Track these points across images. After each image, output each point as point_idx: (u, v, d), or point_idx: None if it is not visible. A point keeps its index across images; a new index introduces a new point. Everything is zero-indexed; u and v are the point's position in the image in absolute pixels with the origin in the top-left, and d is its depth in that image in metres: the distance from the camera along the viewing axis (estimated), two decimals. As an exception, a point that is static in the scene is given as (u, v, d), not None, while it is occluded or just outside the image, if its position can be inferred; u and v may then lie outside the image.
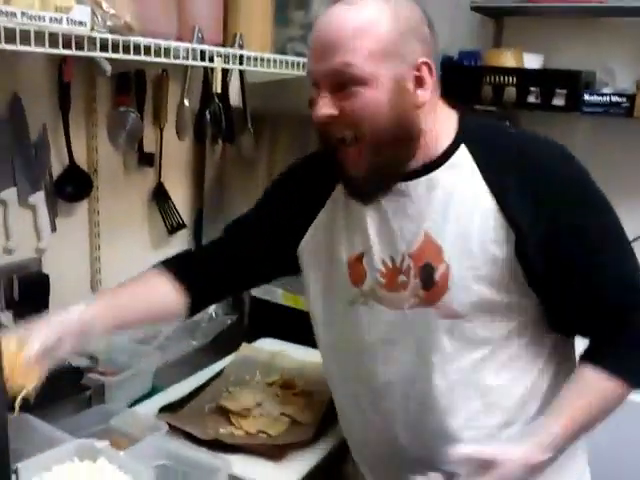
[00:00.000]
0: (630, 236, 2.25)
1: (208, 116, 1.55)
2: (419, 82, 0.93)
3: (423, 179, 0.97)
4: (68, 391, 1.23)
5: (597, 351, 0.97)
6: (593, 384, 0.94)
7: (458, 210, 0.95)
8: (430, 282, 0.97)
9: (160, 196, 1.76)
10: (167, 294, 1.11)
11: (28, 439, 1.06)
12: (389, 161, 0.95)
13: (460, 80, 2.02)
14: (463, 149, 0.96)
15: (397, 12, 0.91)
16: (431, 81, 0.93)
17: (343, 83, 0.90)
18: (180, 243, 1.88)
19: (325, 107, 0.92)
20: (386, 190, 0.98)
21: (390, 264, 1.00)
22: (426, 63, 0.92)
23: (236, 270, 1.15)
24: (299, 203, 1.10)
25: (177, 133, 1.55)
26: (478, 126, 1.01)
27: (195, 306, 1.15)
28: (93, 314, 1.01)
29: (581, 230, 0.94)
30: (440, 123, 0.98)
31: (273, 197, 1.19)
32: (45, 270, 1.52)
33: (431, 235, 0.96)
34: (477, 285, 0.94)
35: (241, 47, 1.46)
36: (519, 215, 0.92)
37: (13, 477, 0.68)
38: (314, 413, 1.34)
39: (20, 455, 0.98)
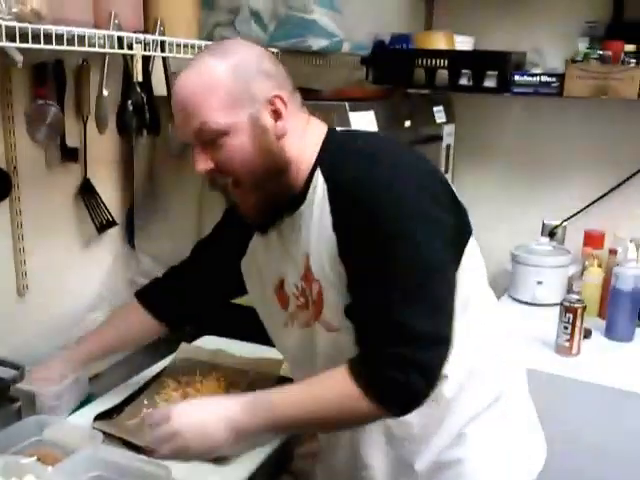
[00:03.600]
0: (564, 214, 2.31)
1: (130, 107, 1.47)
2: (277, 115, 0.99)
3: (296, 212, 1.03)
4: (-7, 405, 1.15)
5: (358, 356, 0.96)
6: (333, 378, 0.95)
7: (316, 234, 1.01)
8: (311, 300, 1.05)
9: (87, 193, 1.67)
10: (145, 325, 1.34)
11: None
12: (272, 195, 1.02)
13: (392, 64, 2.01)
14: (318, 174, 1.01)
15: (233, 61, 0.97)
16: (286, 110, 0.99)
17: (209, 139, 0.97)
18: (111, 242, 1.80)
19: (201, 163, 1.00)
20: (279, 220, 1.06)
21: (299, 287, 1.07)
22: (277, 95, 0.98)
23: (204, 289, 1.31)
24: (239, 225, 1.14)
25: (97, 126, 1.47)
26: (336, 145, 1.04)
27: (173, 327, 1.36)
28: (83, 358, 1.32)
29: (366, 245, 0.95)
30: (306, 147, 1.02)
31: (226, 216, 1.29)
32: (-36, 278, 1.43)
33: (308, 257, 1.03)
34: (342, 299, 1.00)
35: (162, 33, 1.40)
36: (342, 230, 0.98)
37: None
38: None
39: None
